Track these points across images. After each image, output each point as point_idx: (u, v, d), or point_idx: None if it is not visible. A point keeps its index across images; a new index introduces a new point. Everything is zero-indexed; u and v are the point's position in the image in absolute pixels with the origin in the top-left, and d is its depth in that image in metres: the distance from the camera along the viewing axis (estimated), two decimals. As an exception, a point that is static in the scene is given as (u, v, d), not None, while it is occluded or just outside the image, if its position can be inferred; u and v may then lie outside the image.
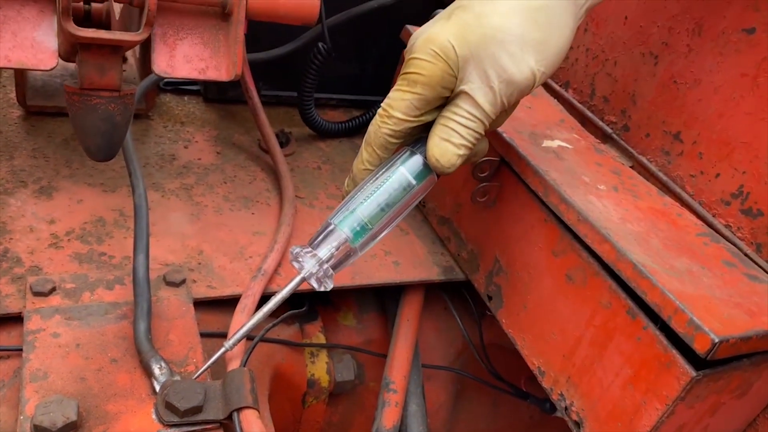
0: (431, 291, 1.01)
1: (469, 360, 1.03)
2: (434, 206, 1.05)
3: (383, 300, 1.02)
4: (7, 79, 1.13)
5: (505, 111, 0.67)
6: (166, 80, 1.23)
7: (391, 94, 0.66)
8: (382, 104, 0.67)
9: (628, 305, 0.70)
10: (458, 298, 1.03)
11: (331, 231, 0.65)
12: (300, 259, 0.65)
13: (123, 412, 0.64)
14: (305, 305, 0.92)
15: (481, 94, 0.63)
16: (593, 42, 0.98)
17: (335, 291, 0.68)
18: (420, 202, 0.75)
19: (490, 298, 0.90)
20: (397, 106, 0.65)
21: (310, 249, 0.65)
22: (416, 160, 0.68)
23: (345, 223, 0.65)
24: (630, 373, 0.69)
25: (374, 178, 0.67)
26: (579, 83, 1.01)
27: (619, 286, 0.71)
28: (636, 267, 0.68)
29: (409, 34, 1.08)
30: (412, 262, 0.96)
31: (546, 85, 1.07)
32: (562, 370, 0.78)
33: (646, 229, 0.76)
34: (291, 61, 1.18)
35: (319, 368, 0.92)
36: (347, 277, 0.89)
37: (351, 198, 0.67)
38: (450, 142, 0.64)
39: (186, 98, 1.24)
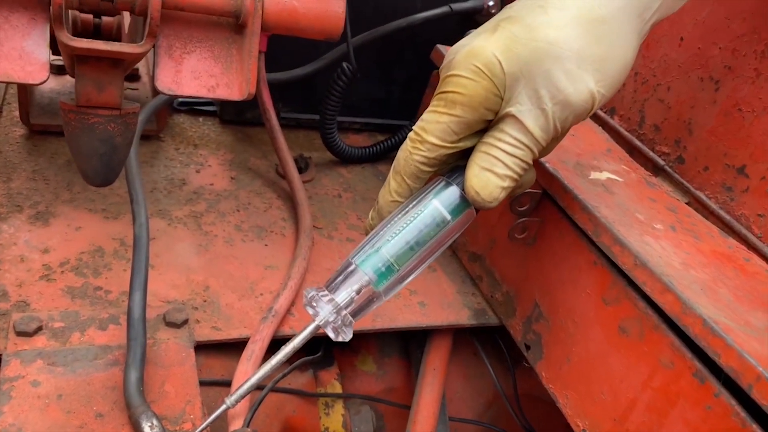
0: (460, 334, 0.92)
1: (500, 413, 0.93)
2: (465, 241, 0.95)
3: (407, 343, 0.93)
4: (12, 96, 1.07)
5: (556, 137, 0.58)
6: (180, 100, 1.16)
7: (425, 116, 0.57)
8: (414, 127, 0.58)
9: (695, 367, 0.60)
10: (490, 343, 0.93)
11: (352, 272, 0.56)
12: (315, 304, 0.56)
13: (105, 479, 0.55)
14: (320, 350, 0.83)
15: (531, 117, 0.54)
16: (643, 65, 0.89)
17: (354, 333, 0.60)
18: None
19: (528, 347, 0.80)
20: (432, 129, 0.56)
21: (326, 292, 0.56)
22: (452, 192, 0.59)
23: (368, 263, 0.56)
24: (697, 447, 0.59)
25: (403, 212, 0.59)
26: (626, 110, 0.92)
27: (684, 343, 0.61)
28: (706, 323, 0.58)
29: (440, 54, 1.01)
30: (439, 302, 0.87)
31: (589, 112, 0.98)
32: (613, 436, 0.67)
33: (712, 277, 0.66)
34: (313, 82, 1.11)
35: (335, 421, 0.83)
36: (367, 320, 0.80)
37: (376, 234, 0.58)
38: (493, 173, 0.55)
39: (201, 119, 1.18)
